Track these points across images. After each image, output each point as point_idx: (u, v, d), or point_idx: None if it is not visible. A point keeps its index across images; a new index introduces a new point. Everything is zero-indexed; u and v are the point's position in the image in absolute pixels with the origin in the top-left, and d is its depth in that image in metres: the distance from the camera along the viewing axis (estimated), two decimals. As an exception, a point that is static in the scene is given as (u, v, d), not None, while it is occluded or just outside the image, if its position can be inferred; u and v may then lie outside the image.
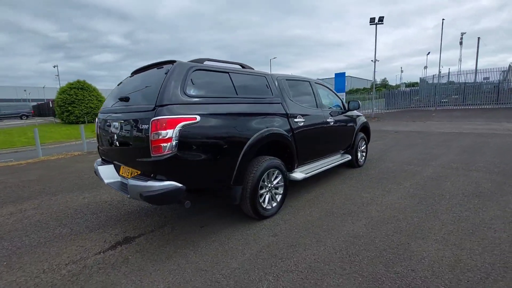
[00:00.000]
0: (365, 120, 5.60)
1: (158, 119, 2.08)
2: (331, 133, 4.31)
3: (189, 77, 2.38)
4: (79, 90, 24.66)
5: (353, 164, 5.21)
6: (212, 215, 3.24)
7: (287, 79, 3.69)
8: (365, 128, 5.64)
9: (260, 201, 2.96)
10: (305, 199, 3.68)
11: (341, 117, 4.68)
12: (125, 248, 2.57)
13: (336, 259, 2.25)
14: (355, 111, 5.64)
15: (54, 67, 47.29)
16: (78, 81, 25.19)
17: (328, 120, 4.16)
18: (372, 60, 19.11)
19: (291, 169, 3.54)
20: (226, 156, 2.54)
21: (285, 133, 3.21)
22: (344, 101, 5.04)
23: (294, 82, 3.88)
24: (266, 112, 3.04)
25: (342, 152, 4.99)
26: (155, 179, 2.16)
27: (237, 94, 2.77)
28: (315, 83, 4.33)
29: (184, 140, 2.18)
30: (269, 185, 3.10)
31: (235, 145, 2.60)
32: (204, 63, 2.76)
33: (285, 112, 3.31)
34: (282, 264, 2.20)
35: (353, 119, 5.06)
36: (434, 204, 3.32)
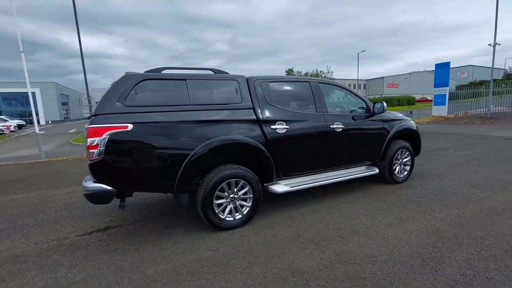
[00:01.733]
0: (409, 124, 4.41)
1: (89, 127, 2.33)
2: (339, 142, 3.64)
3: (132, 88, 2.54)
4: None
5: (386, 179, 4.24)
6: (189, 218, 3.32)
7: (271, 81, 3.34)
8: (408, 135, 4.47)
9: (217, 211, 2.84)
10: (289, 215, 3.27)
11: (361, 122, 3.87)
12: (99, 235, 3.00)
13: (245, 292, 1.95)
14: (397, 113, 4.58)
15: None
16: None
17: (333, 126, 3.53)
18: (490, 44, 14.54)
19: (270, 181, 3.22)
20: (164, 163, 2.57)
21: (252, 141, 2.94)
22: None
23: (283, 84, 3.48)
24: (226, 119, 2.87)
25: (369, 163, 4.13)
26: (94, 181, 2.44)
27: (189, 102, 2.74)
28: (321, 83, 3.72)
29: (113, 147, 2.35)
30: (232, 195, 2.93)
31: (176, 153, 2.60)
32: (163, 72, 2.86)
33: (256, 118, 3.03)
34: (188, 284, 2.07)
35: (383, 124, 4.09)
36: (451, 255, 2.35)
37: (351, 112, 4.06)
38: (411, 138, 4.54)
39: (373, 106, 3.95)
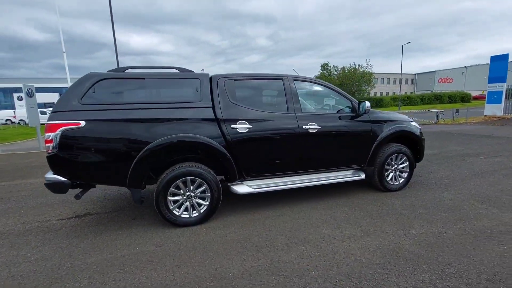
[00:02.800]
0: (406, 127, 3.92)
1: (46, 123, 2.55)
2: (314, 143, 3.41)
3: (91, 87, 2.70)
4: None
5: (376, 186, 3.87)
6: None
7: (238, 79, 3.24)
8: (406, 139, 3.99)
9: (171, 207, 2.90)
10: (252, 217, 3.19)
11: (342, 123, 3.57)
12: (74, 221, 3.29)
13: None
14: (393, 114, 4.14)
15: (202, 70, 59.86)
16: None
17: (307, 127, 3.31)
18: None
19: (232, 180, 3.17)
20: (116, 159, 2.70)
21: (208, 140, 2.91)
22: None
23: (252, 82, 3.35)
24: (182, 117, 2.88)
25: (357, 167, 3.80)
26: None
27: (146, 100, 2.82)
28: (297, 80, 3.50)
29: (65, 142, 2.54)
30: (188, 193, 2.96)
31: (127, 150, 2.70)
32: (126, 71, 2.98)
33: (214, 117, 2.99)
34: (112, 276, 2.17)
35: (371, 125, 3.71)
36: (396, 280, 2.06)
37: (338, 112, 3.77)
38: (411, 142, 4.05)
39: (358, 106, 3.59)
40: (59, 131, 2.51)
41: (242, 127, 3.07)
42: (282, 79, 3.41)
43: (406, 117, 4.23)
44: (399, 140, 4.04)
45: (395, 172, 3.94)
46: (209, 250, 2.50)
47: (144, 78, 2.90)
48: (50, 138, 2.51)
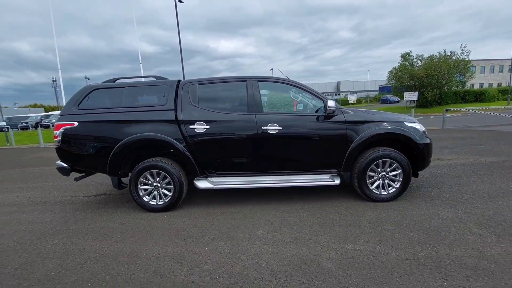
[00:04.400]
0: (396, 128, 3.33)
1: (55, 123, 3.46)
2: (276, 145, 3.36)
3: (86, 96, 3.48)
4: (280, 86, 30.56)
5: (359, 193, 3.49)
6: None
7: (201, 83, 3.49)
8: (400, 142, 3.40)
9: (141, 194, 3.45)
10: (211, 211, 3.44)
11: (309, 124, 3.37)
12: (92, 198, 4.28)
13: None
14: (382, 113, 3.64)
15: (271, 70, 60.36)
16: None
17: (266, 128, 3.31)
18: None
19: (194, 176, 3.49)
20: (98, 152, 3.40)
21: (168, 138, 3.31)
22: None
23: (216, 85, 3.53)
24: (146, 119, 3.36)
25: (335, 172, 3.51)
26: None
27: (123, 105, 3.43)
28: (262, 81, 3.47)
29: (65, 138, 3.39)
30: (155, 184, 3.45)
31: (106, 145, 3.36)
32: (116, 81, 3.67)
33: (175, 119, 3.35)
34: (76, 241, 2.85)
35: (346, 126, 3.35)
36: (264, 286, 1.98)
37: (308, 112, 3.58)
38: (407, 146, 3.43)
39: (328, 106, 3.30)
40: (61, 130, 3.40)
41: (199, 128, 3.35)
42: (245, 81, 3.48)
43: (402, 117, 3.59)
44: (392, 144, 3.49)
45: (383, 180, 3.43)
46: (150, 233, 2.92)
47: (124, 87, 3.55)
48: (56, 135, 3.43)
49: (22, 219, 3.52)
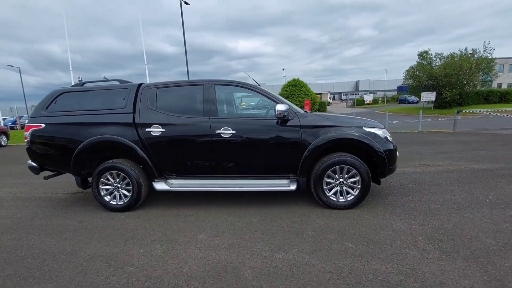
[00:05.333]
0: (351, 133, 3.19)
1: (25, 125, 3.66)
2: (230, 148, 3.35)
3: (54, 99, 3.65)
4: (293, 87, 30.25)
5: (316, 200, 3.39)
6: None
7: (160, 87, 3.54)
8: (359, 148, 3.25)
9: (102, 194, 3.57)
10: (167, 213, 3.48)
11: (262, 128, 3.32)
12: (68, 196, 4.49)
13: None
14: (347, 118, 3.51)
15: (283, 69, 59.32)
16: (294, 79, 30.86)
17: (219, 131, 3.30)
18: None
19: (152, 177, 3.55)
20: (63, 152, 3.55)
21: (125, 140, 3.40)
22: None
23: (177, 88, 3.56)
24: (106, 122, 3.46)
25: (293, 177, 3.43)
26: (33, 159, 3.80)
27: (86, 108, 3.56)
28: (219, 85, 3.46)
29: (33, 139, 3.57)
30: (116, 184, 3.56)
31: (68, 146, 3.50)
32: (85, 85, 3.82)
33: (132, 122, 3.43)
34: (31, 236, 3.01)
35: (301, 131, 3.26)
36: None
37: (265, 116, 3.53)
38: (368, 152, 3.28)
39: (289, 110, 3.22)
40: (30, 131, 3.60)
41: (155, 130, 3.40)
42: (203, 85, 3.49)
43: (364, 121, 3.43)
44: (353, 149, 3.35)
45: (341, 187, 3.30)
46: (99, 232, 3.01)
47: (88, 91, 3.69)
48: (26, 136, 3.64)
49: (8, 214, 3.75)
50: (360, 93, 65.72)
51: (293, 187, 3.34)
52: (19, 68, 35.79)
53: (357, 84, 76.93)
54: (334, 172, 3.26)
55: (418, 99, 26.30)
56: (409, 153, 6.44)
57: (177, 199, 3.95)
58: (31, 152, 3.67)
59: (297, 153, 3.27)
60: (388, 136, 3.38)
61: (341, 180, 3.28)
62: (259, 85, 4.31)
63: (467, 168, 4.90)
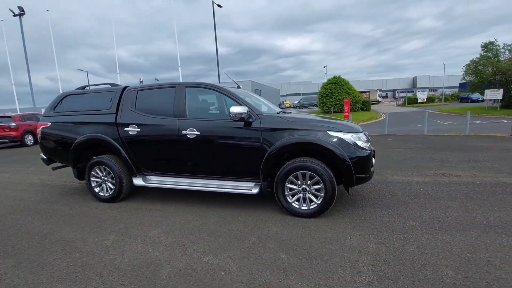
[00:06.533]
0: (315, 138, 2.94)
1: (38, 123, 4.28)
2: (195, 149, 3.43)
3: (60, 100, 4.20)
4: (333, 84, 28.93)
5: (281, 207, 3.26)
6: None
7: (140, 90, 3.77)
8: (322, 153, 3.00)
9: (92, 185, 4.00)
10: (138, 207, 3.73)
11: (224, 129, 3.31)
12: (77, 185, 5.13)
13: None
14: (317, 121, 3.31)
15: (324, 67, 56.24)
16: (334, 77, 29.49)
17: (185, 132, 3.40)
18: None
19: (132, 173, 3.84)
20: (62, 147, 4.06)
21: (108, 138, 3.74)
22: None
23: (153, 91, 3.75)
24: (95, 121, 3.84)
25: (256, 181, 3.35)
26: (48, 152, 4.43)
27: (81, 109, 4.02)
28: (189, 87, 3.55)
29: (43, 135, 4.17)
30: (103, 178, 3.95)
31: (67, 142, 3.99)
32: (86, 88, 4.30)
33: (114, 122, 3.74)
34: (27, 219, 3.55)
35: (262, 133, 3.16)
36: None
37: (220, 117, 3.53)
38: (332, 158, 3.01)
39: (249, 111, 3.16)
40: (41, 128, 4.22)
41: (132, 130, 3.67)
42: (174, 87, 3.63)
43: (331, 125, 3.13)
44: (320, 155, 3.12)
45: (303, 194, 3.10)
46: (78, 219, 3.39)
47: (85, 93, 4.15)
48: (38, 132, 4.28)
49: (12, 196, 4.51)
50: (417, 90, 59.51)
51: (255, 190, 3.26)
52: (86, 71, 41.42)
53: (414, 80, 69.80)
54: (297, 177, 3.09)
55: (483, 97, 22.71)
56: (430, 160, 5.66)
57: (161, 194, 4.20)
58: (42, 146, 4.31)
59: (258, 157, 3.18)
60: (359, 142, 3.05)
61: (304, 186, 3.08)
62: (239, 87, 4.31)
63: (490, 181, 4.11)
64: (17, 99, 24.52)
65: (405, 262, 2.19)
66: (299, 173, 3.06)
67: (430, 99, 34.20)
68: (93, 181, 4.01)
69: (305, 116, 3.40)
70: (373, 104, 44.40)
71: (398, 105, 37.55)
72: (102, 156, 3.90)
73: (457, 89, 48.61)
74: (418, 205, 3.35)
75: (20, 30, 17.00)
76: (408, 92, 57.44)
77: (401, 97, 45.77)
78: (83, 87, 4.38)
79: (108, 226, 3.16)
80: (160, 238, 2.82)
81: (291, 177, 3.09)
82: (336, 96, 28.24)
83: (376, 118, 22.84)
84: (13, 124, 11.14)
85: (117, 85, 4.21)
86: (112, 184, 3.90)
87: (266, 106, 4.47)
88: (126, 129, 3.71)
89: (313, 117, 3.48)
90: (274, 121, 3.19)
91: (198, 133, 3.37)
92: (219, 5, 16.45)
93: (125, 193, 3.92)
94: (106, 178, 3.93)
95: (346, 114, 22.52)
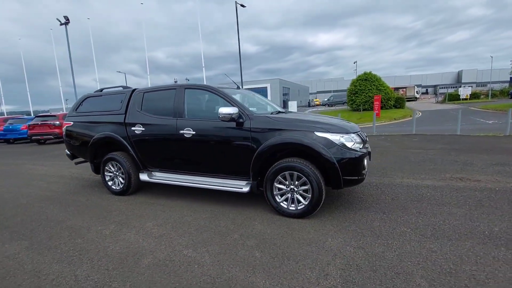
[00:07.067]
0: (300, 138, 2.92)
1: (63, 122, 4.79)
2: (192, 148, 3.60)
3: (81, 102, 4.66)
4: (363, 81, 27.65)
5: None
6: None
7: (146, 92, 4.03)
8: (307, 154, 2.96)
9: (107, 179, 4.40)
10: (143, 201, 4.02)
11: (217, 129, 3.42)
12: (99, 178, 5.63)
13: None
14: (306, 121, 3.29)
15: (354, 63, 53.19)
16: (365, 73, 28.17)
17: (182, 131, 3.58)
18: None
19: (139, 169, 4.14)
20: (82, 144, 4.50)
21: (118, 137, 4.07)
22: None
23: (157, 93, 3.98)
24: (108, 121, 4.19)
25: (248, 180, 3.43)
26: (72, 148, 4.94)
27: (97, 109, 4.41)
28: (188, 89, 3.72)
29: (67, 133, 4.67)
30: (115, 172, 4.32)
31: (86, 139, 4.42)
32: (103, 91, 4.71)
33: (123, 122, 4.06)
34: (47, 206, 4.03)
35: (251, 133, 3.22)
36: None
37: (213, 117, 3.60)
38: (318, 159, 2.96)
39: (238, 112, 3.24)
40: (65, 127, 4.73)
41: (138, 129, 3.96)
42: (175, 89, 3.83)
43: (321, 125, 3.06)
44: (308, 156, 3.10)
45: (292, 194, 3.10)
46: (90, 209, 3.76)
47: (101, 95, 4.56)
48: (63, 130, 4.79)
49: (44, 187, 5.10)
50: (462, 85, 54.37)
51: (246, 189, 3.33)
52: (124, 73, 44.58)
53: (459, 74, 63.87)
54: (285, 178, 3.10)
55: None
56: (450, 163, 5.22)
57: (167, 190, 4.46)
58: (66, 143, 4.83)
59: (248, 156, 3.25)
60: (349, 143, 2.96)
61: (292, 187, 3.09)
62: (238, 87, 4.40)
63: (512, 188, 3.70)
64: (66, 100, 27.37)
65: (378, 269, 2.11)
66: (287, 173, 3.07)
67: (474, 95, 30.89)
68: (107, 175, 4.40)
69: (296, 117, 3.37)
70: (410, 101, 41.54)
71: (437, 102, 34.59)
72: (114, 153, 4.26)
73: (507, 84, 43.32)
74: (417, 210, 3.16)
75: (66, 37, 19.05)
76: (450, 87, 52.74)
77: (441, 94, 42.05)
78: (101, 90, 4.81)
79: (112, 217, 3.47)
80: (153, 230, 3.04)
81: (279, 177, 3.12)
82: (366, 93, 26.94)
83: (410, 116, 21.33)
84: (57, 122, 12.47)
85: (128, 87, 4.56)
86: (123, 178, 4.25)
87: (270, 107, 4.52)
88: (132, 128, 4.01)
89: (306, 117, 3.44)
90: (263, 121, 3.23)
91: (194, 132, 3.53)
92: (242, 5, 16.69)
93: (133, 188, 4.25)
94: (117, 173, 4.29)
95: (376, 112, 21.45)
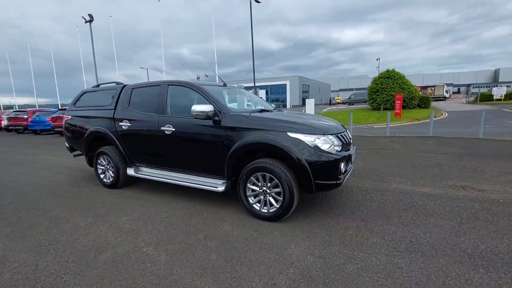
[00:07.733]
0: (271, 139, 2.79)
1: (62, 117, 5.00)
2: (172, 144, 3.59)
3: (79, 97, 4.84)
4: (385, 79, 26.41)
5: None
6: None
7: (135, 88, 4.07)
8: (273, 153, 2.86)
9: (99, 172, 4.55)
10: (128, 195, 4.10)
11: (194, 127, 3.38)
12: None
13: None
14: (281, 121, 3.16)
15: (377, 59, 50.38)
16: (387, 71, 26.89)
17: (163, 128, 3.58)
18: None
19: (126, 164, 4.23)
20: (78, 137, 4.68)
21: (107, 131, 4.17)
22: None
23: (144, 89, 4.00)
24: (100, 116, 4.31)
25: (224, 179, 3.36)
26: (72, 141, 5.16)
27: (91, 104, 4.55)
28: (171, 85, 3.69)
29: (65, 126, 4.87)
30: (106, 166, 4.45)
31: (81, 133, 4.58)
32: (100, 86, 4.85)
33: (112, 117, 4.14)
34: (48, 200, 4.24)
35: (225, 132, 3.15)
36: None
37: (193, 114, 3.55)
38: (288, 161, 2.82)
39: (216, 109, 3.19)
40: (64, 121, 4.94)
41: (125, 124, 4.03)
42: (159, 85, 3.83)
43: (294, 125, 2.89)
44: (282, 158, 2.97)
45: (264, 196, 3.00)
46: (77, 201, 3.90)
47: (96, 91, 4.69)
48: (62, 123, 5.01)
49: (47, 176, 5.38)
50: (498, 85, 50.24)
51: (221, 188, 3.27)
52: (146, 69, 46.18)
53: (496, 73, 59.05)
54: (257, 179, 3.00)
55: None
56: (459, 169, 4.80)
57: (157, 185, 4.52)
58: (65, 136, 5.05)
59: (223, 155, 3.18)
60: (324, 145, 2.78)
61: (265, 189, 2.98)
62: (225, 84, 4.31)
63: (519, 201, 3.31)
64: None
65: (330, 282, 1.97)
66: (259, 174, 2.97)
67: (510, 96, 28.25)
68: (99, 168, 4.55)
69: (273, 116, 3.23)
70: (438, 100, 39.06)
71: (468, 102, 32.11)
72: (105, 147, 4.39)
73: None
74: (400, 220, 2.92)
75: (96, 33, 20.08)
76: (485, 87, 48.88)
77: (473, 93, 39.03)
78: (98, 85, 4.96)
79: (94, 209, 3.57)
80: (125, 225, 3.08)
81: (252, 178, 3.02)
82: (388, 92, 25.69)
83: (435, 117, 20.07)
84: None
85: (120, 83, 4.66)
86: (113, 172, 4.37)
87: (261, 105, 4.40)
88: (120, 123, 4.10)
89: (284, 117, 3.25)
90: (237, 120, 3.13)
91: (174, 129, 3.52)
92: (257, 1, 16.51)
93: (122, 181, 4.35)
94: (108, 167, 4.42)
95: (398, 111, 20.44)
